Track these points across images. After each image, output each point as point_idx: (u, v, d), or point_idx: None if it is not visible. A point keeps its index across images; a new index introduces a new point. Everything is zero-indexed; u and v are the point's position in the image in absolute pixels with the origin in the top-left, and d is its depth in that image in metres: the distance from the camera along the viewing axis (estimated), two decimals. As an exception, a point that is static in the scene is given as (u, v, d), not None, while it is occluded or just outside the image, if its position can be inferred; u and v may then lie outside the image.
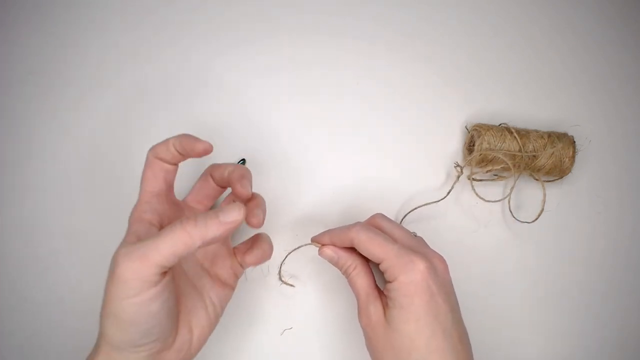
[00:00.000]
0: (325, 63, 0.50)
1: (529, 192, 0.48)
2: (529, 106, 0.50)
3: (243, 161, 0.47)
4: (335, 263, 0.40)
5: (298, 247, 0.43)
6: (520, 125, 0.47)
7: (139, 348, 0.30)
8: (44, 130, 0.48)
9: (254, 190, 0.38)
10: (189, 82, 0.49)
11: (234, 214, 0.30)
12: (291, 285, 0.44)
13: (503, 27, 0.53)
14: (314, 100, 0.49)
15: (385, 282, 0.37)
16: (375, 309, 0.37)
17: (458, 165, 0.46)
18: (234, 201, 0.34)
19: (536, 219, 0.46)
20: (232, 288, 0.38)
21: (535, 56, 0.52)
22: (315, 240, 0.41)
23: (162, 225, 0.35)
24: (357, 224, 0.39)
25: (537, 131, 0.46)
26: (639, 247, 0.48)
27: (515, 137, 0.44)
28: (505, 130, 0.45)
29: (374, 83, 0.50)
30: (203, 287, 0.36)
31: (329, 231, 0.40)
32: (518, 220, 0.47)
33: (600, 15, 0.53)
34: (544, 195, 0.46)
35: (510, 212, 0.47)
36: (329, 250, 0.39)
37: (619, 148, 0.50)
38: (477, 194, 0.47)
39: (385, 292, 0.37)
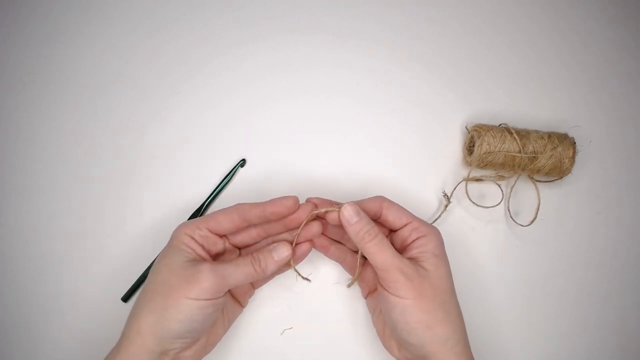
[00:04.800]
0: (325, 63, 0.50)
1: (530, 192, 0.48)
2: (529, 106, 0.50)
3: (243, 162, 0.47)
4: (353, 224, 0.37)
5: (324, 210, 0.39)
6: (520, 125, 0.47)
7: (178, 340, 0.35)
8: (44, 130, 0.48)
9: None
10: (188, 82, 0.49)
11: (283, 253, 0.39)
12: (307, 280, 0.42)
13: (503, 27, 0.53)
14: (314, 100, 0.49)
15: (409, 242, 0.39)
16: (410, 265, 0.37)
17: (445, 195, 0.46)
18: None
19: (530, 223, 0.46)
20: (243, 306, 0.42)
21: (535, 56, 0.52)
22: (333, 204, 0.39)
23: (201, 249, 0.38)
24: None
25: (537, 132, 0.46)
26: (639, 247, 0.48)
27: (515, 137, 0.44)
28: (505, 130, 0.45)
29: (373, 83, 0.50)
30: (225, 303, 0.40)
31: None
32: (515, 222, 0.47)
33: (600, 15, 0.53)
34: (538, 202, 0.46)
35: (509, 211, 0.47)
36: (354, 206, 0.38)
37: (619, 148, 0.50)
38: (472, 201, 0.47)
39: (408, 250, 0.39)
